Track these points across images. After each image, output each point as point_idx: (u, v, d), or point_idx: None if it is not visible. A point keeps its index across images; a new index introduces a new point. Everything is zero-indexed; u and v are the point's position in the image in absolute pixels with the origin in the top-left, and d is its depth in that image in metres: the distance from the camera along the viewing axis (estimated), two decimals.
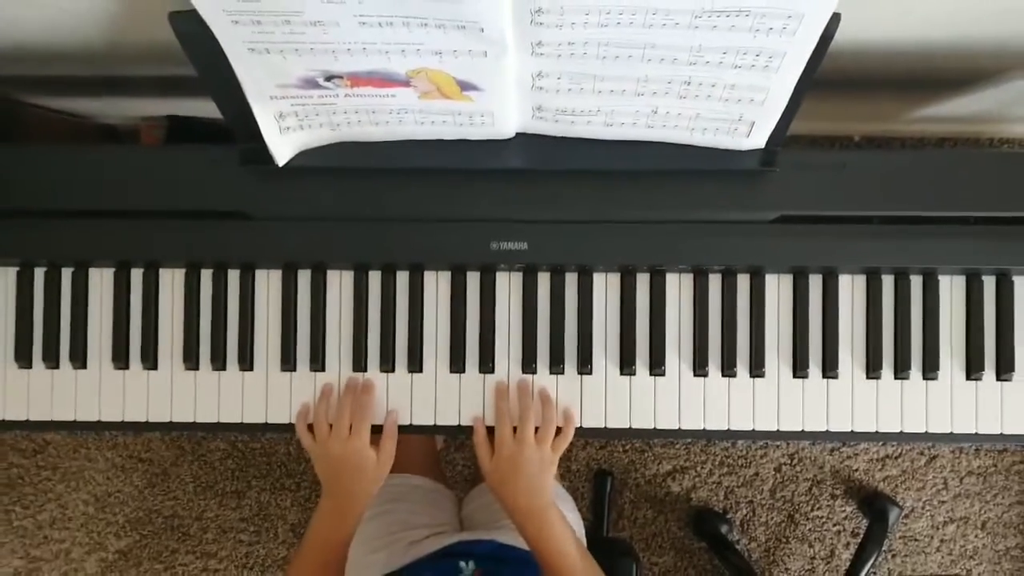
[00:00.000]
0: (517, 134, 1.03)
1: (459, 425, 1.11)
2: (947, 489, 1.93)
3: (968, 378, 1.11)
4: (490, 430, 1.09)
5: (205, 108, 1.00)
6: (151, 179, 1.07)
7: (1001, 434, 1.11)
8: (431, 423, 1.11)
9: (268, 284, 1.11)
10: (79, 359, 1.12)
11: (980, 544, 1.94)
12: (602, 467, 1.93)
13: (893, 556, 1.94)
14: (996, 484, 1.93)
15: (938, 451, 1.93)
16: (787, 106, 0.95)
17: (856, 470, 1.93)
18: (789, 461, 1.93)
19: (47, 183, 1.08)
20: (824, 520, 1.94)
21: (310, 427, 1.09)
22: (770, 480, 1.93)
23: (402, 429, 1.10)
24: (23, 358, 1.12)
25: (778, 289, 1.11)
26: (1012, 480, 1.93)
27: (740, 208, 1.06)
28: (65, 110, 1.59)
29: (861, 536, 1.87)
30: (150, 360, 1.11)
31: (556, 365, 1.10)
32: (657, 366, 1.10)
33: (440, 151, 1.03)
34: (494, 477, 1.07)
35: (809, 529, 1.94)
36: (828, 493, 1.93)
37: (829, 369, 1.10)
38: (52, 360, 1.12)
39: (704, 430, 1.11)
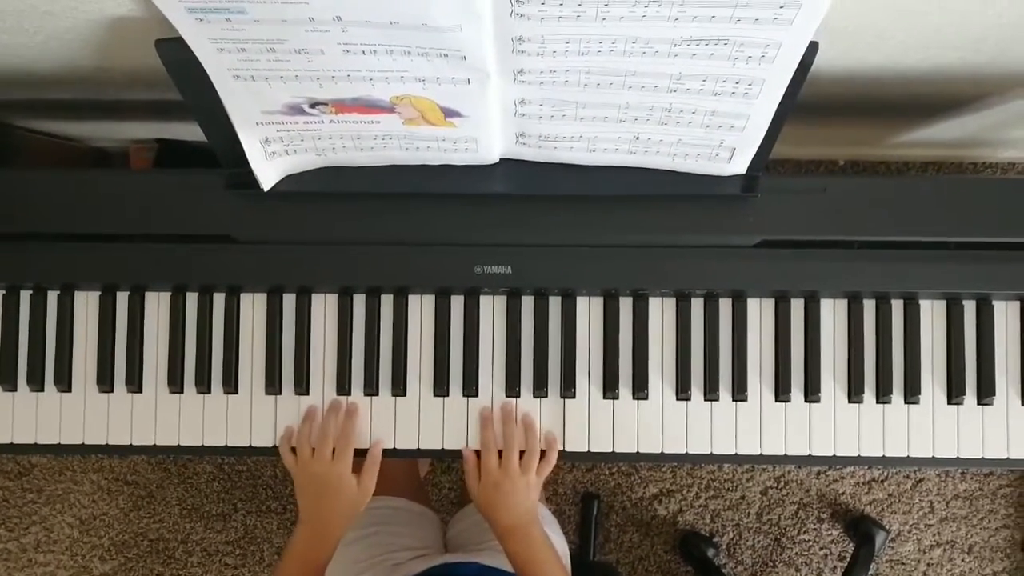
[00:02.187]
0: (501, 159, 1.04)
1: (443, 449, 1.11)
2: (933, 513, 1.93)
3: (949, 402, 1.12)
4: (478, 454, 1.10)
5: (195, 131, 1.01)
6: (137, 203, 1.07)
7: (983, 458, 1.12)
8: (415, 447, 1.11)
9: (253, 308, 1.12)
10: (64, 382, 1.12)
11: (967, 568, 1.94)
12: (589, 490, 1.93)
13: None
14: (983, 508, 1.94)
15: (924, 474, 1.93)
16: (768, 132, 0.97)
17: (842, 493, 1.93)
18: (775, 484, 1.93)
19: (33, 206, 1.08)
20: (811, 544, 1.94)
21: (294, 449, 1.09)
22: (756, 503, 1.93)
23: (386, 453, 1.10)
24: (7, 381, 1.12)
25: (760, 313, 1.12)
26: (999, 504, 1.94)
27: (722, 233, 1.07)
28: (56, 133, 1.60)
29: (848, 560, 1.87)
30: (135, 383, 1.11)
31: (540, 389, 1.10)
32: (640, 390, 1.10)
33: (424, 176, 1.04)
34: (482, 501, 1.08)
35: (796, 553, 1.94)
36: (815, 516, 1.93)
37: (811, 393, 1.11)
38: (37, 383, 1.12)
39: (687, 454, 1.11)
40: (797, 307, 1.12)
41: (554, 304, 1.11)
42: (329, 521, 1.07)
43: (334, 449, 1.07)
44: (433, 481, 1.94)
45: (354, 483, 1.07)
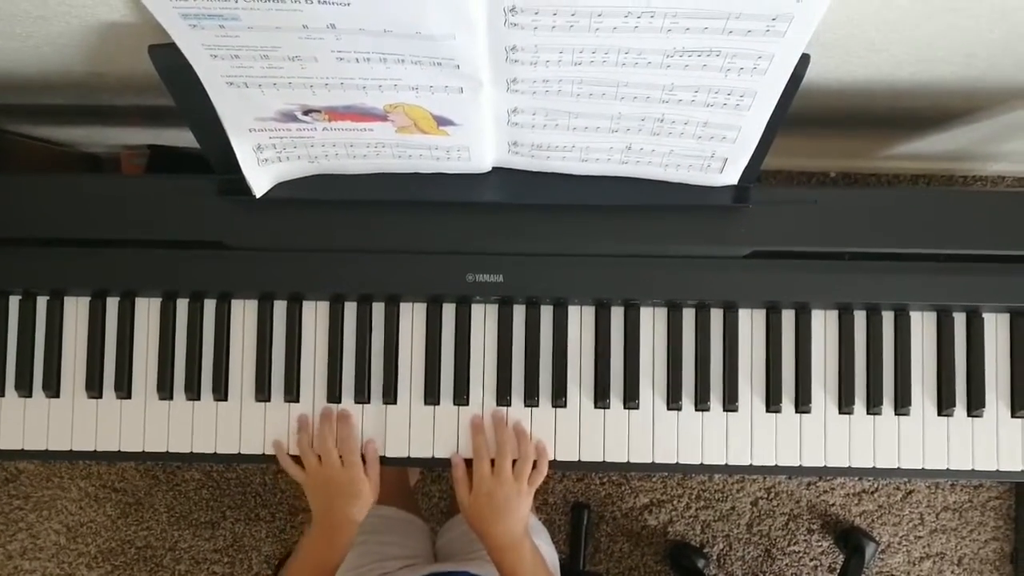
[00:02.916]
0: (493, 168, 1.04)
1: (433, 457, 1.11)
2: (923, 525, 1.93)
3: (939, 414, 1.12)
4: (467, 463, 1.09)
5: (187, 137, 1.01)
6: (129, 208, 1.07)
7: (972, 470, 1.12)
8: (405, 455, 1.11)
9: (244, 314, 1.11)
10: (52, 388, 1.11)
11: None
12: (579, 500, 1.92)
13: None
14: (972, 520, 1.94)
15: (914, 486, 1.93)
16: (759, 143, 0.97)
17: (833, 505, 1.93)
18: (766, 495, 1.93)
19: (24, 211, 1.08)
20: (801, 555, 1.93)
21: (294, 458, 1.09)
22: (747, 514, 1.93)
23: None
24: None
25: (751, 324, 1.12)
26: (988, 516, 1.94)
27: (714, 243, 1.07)
28: (47, 138, 1.59)
29: (838, 571, 1.87)
30: (124, 389, 1.11)
31: (531, 398, 1.10)
32: (631, 399, 1.10)
33: (417, 184, 1.04)
34: (472, 512, 1.07)
35: (786, 564, 1.93)
36: (805, 528, 1.93)
37: (802, 404, 1.11)
38: (25, 389, 1.11)
39: (677, 464, 1.11)
40: (788, 318, 1.12)
41: (546, 313, 1.11)
42: (342, 524, 1.07)
43: (340, 456, 1.07)
44: (423, 490, 1.93)
45: (367, 485, 1.07)
